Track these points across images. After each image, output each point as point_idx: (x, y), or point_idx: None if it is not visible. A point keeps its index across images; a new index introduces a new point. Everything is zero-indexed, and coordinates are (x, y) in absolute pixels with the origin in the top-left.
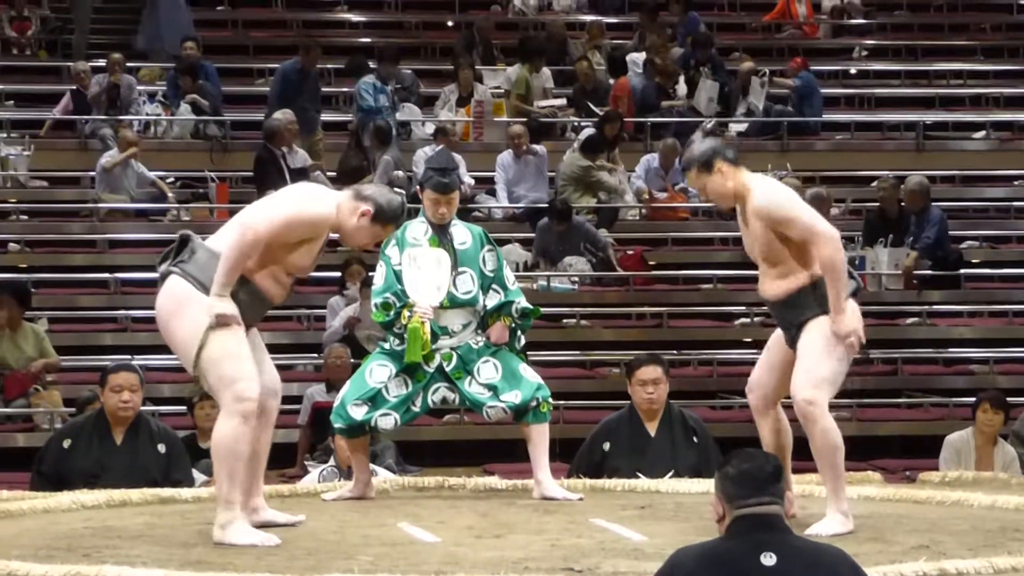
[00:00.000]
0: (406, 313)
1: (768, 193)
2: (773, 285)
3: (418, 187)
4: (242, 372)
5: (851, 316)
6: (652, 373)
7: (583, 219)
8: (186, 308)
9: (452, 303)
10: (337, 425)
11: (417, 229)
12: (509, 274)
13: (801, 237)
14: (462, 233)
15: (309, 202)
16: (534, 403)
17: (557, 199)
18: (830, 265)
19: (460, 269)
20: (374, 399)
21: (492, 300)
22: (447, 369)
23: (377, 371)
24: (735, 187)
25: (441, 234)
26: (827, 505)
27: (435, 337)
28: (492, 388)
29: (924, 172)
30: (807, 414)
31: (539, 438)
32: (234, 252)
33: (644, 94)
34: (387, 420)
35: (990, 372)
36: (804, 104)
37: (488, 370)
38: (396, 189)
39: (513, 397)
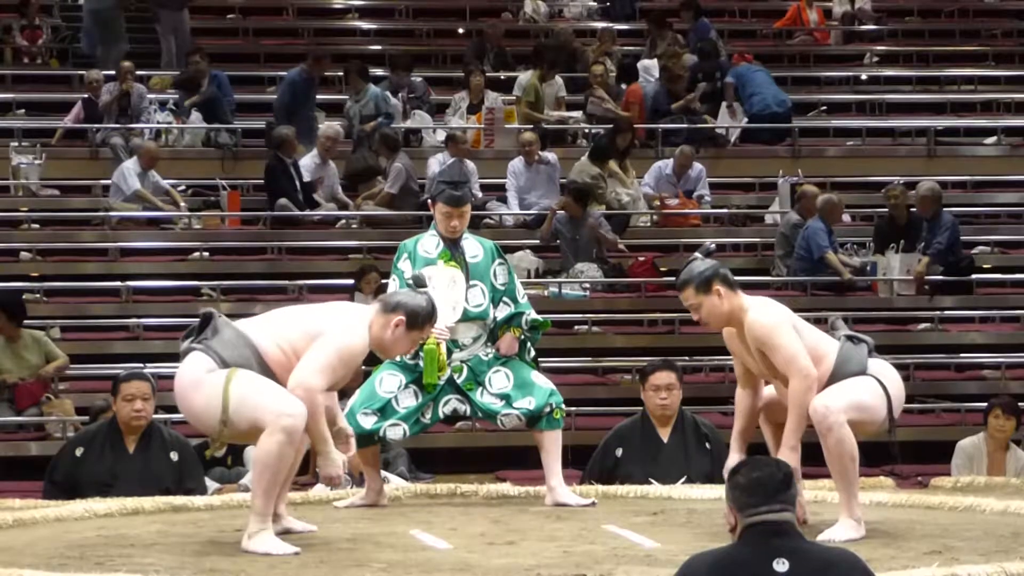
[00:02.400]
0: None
1: (760, 318)
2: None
3: (430, 200)
4: (279, 396)
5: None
6: (666, 379)
7: (598, 213)
8: (205, 379)
9: (463, 317)
10: None
11: (428, 242)
12: (519, 287)
13: (780, 367)
14: (473, 246)
15: (349, 343)
16: (547, 409)
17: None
18: (796, 401)
19: (471, 283)
20: (383, 409)
21: (502, 312)
22: (458, 381)
23: (387, 381)
24: (730, 310)
25: (452, 247)
26: (840, 511)
27: (449, 354)
28: (505, 397)
29: (935, 178)
30: (823, 420)
31: (552, 445)
32: (312, 421)
33: (656, 100)
34: (396, 431)
35: (1002, 378)
36: (739, 92)
37: (499, 380)
38: (420, 290)
39: (527, 404)
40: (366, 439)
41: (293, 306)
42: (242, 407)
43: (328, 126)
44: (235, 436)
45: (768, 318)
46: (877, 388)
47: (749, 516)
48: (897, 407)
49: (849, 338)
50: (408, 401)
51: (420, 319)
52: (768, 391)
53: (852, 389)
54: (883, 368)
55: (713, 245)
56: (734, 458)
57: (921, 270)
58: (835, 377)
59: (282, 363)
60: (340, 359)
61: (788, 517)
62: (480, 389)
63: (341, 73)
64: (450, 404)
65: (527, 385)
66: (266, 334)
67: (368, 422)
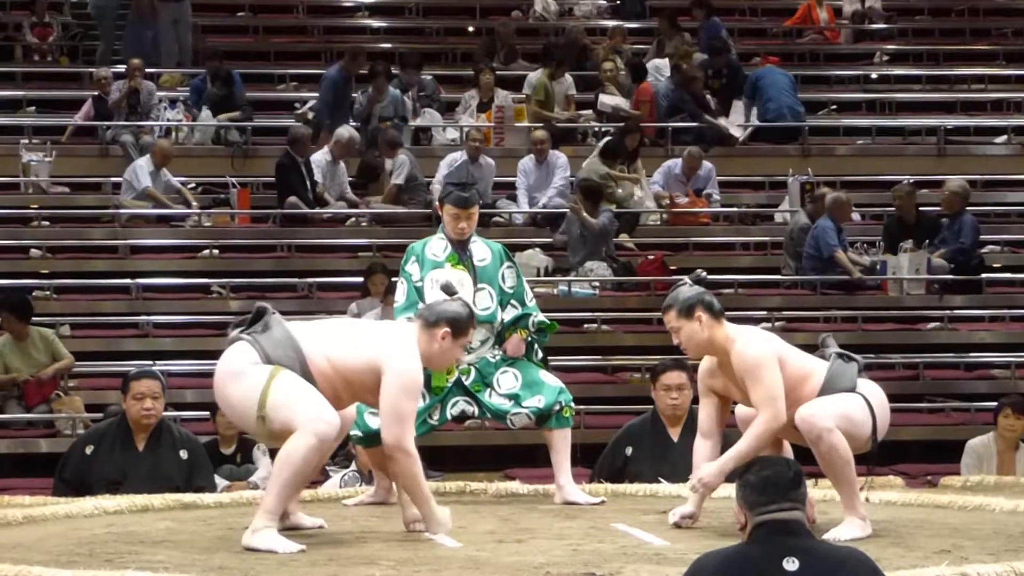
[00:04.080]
0: None
1: (748, 350)
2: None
3: (437, 203)
4: (316, 402)
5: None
6: (677, 379)
7: (609, 214)
8: (247, 371)
9: None
10: (353, 433)
11: (436, 245)
12: (528, 290)
13: (756, 401)
14: (481, 250)
15: (410, 375)
16: (557, 407)
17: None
18: (756, 432)
19: (479, 286)
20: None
21: (509, 314)
22: (466, 383)
23: None
24: (710, 338)
25: (460, 250)
26: (844, 511)
27: None
28: (513, 397)
29: (945, 177)
30: (811, 429)
31: (561, 443)
32: (414, 482)
33: (669, 100)
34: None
35: (1011, 377)
36: (757, 95)
37: (508, 380)
38: (449, 297)
39: (536, 402)
40: (374, 438)
41: (342, 321)
42: (279, 406)
43: (345, 128)
44: (270, 434)
45: (755, 351)
46: (864, 405)
47: (759, 515)
48: (882, 428)
49: (840, 356)
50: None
51: (463, 325)
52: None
53: (839, 402)
54: (871, 388)
55: (704, 272)
56: (688, 509)
57: (944, 253)
58: (824, 393)
59: (326, 375)
60: (407, 396)
61: (798, 516)
62: (488, 390)
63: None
64: (458, 406)
65: (536, 384)
66: (315, 343)
67: (376, 422)
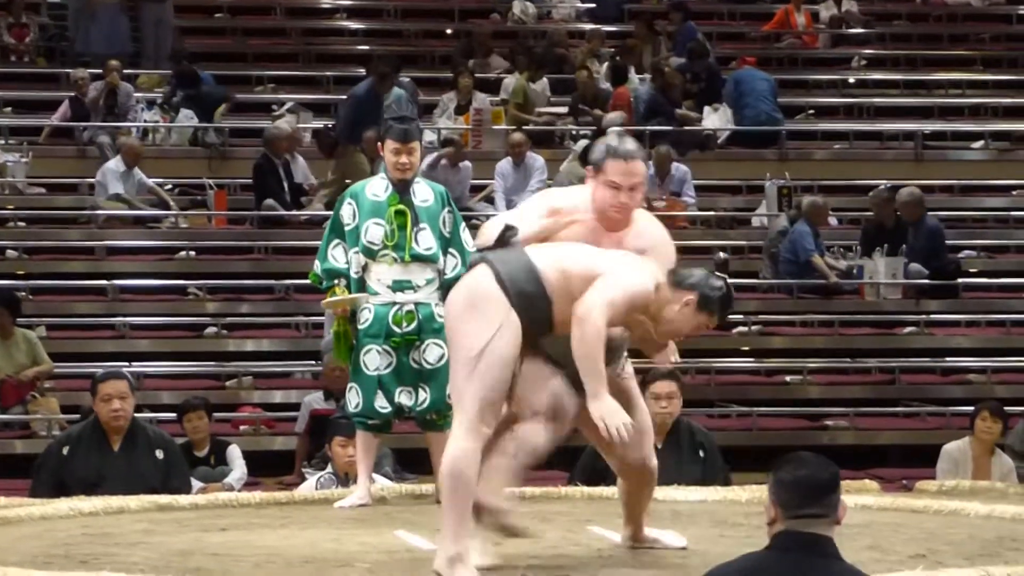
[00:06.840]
0: (329, 301)
1: None
2: None
3: (379, 143)
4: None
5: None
6: (667, 388)
7: None
8: (483, 311)
9: (414, 258)
10: (370, 422)
11: (377, 185)
12: (467, 237)
13: None
14: (424, 190)
15: (638, 282)
16: (431, 416)
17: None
18: None
19: (420, 225)
20: (380, 382)
21: (451, 268)
22: (404, 329)
23: (367, 359)
24: None
25: (402, 190)
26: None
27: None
28: (426, 380)
29: (922, 182)
30: None
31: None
32: (595, 348)
33: (648, 103)
34: (404, 397)
35: (987, 382)
36: (739, 100)
37: (433, 352)
38: (718, 274)
39: (423, 400)
40: (385, 425)
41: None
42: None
43: (286, 122)
44: None
45: None
46: None
47: (790, 517)
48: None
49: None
50: (385, 361)
51: (713, 304)
52: None
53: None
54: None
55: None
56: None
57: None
58: None
59: (557, 288)
60: (624, 296)
61: (825, 530)
62: (414, 389)
63: (328, 74)
64: (403, 395)
65: (436, 379)
66: (547, 260)
67: (381, 403)
